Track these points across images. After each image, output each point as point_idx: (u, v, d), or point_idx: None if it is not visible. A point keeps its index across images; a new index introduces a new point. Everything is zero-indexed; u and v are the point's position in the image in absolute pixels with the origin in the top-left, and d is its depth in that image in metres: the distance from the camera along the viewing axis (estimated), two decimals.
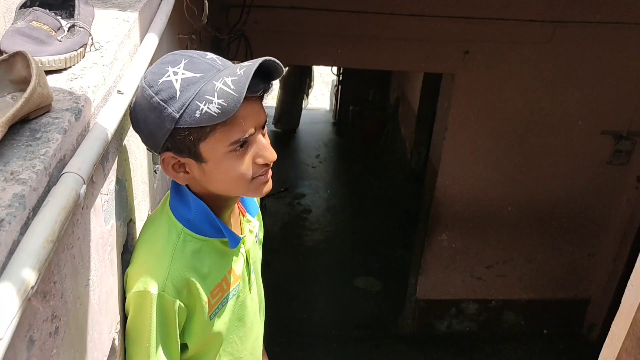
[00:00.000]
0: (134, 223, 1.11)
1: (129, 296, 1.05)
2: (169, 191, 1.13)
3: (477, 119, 3.90)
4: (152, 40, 1.15)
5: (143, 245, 1.09)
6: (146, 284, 1.02)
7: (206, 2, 1.84)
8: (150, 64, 1.02)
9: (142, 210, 1.19)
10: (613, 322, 1.08)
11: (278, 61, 0.97)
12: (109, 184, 0.91)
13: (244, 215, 1.27)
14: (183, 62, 0.97)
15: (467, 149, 4.00)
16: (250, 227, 1.26)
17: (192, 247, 1.09)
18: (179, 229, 1.09)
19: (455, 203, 4.20)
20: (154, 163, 1.40)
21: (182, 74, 0.96)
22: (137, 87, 1.00)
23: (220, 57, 1.01)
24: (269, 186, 1.10)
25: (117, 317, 0.98)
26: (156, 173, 1.42)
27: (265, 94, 1.03)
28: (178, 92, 0.94)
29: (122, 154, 1.00)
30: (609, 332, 1.09)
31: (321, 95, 10.12)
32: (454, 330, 4.70)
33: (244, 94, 0.90)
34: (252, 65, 0.93)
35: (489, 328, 4.71)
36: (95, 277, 0.83)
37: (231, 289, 1.21)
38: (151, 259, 1.06)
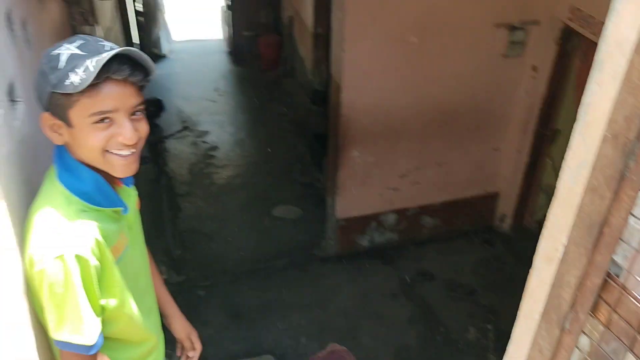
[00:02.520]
0: None
1: (43, 268, 1.13)
2: (52, 168, 1.25)
3: (373, 27, 3.74)
4: None
5: (41, 218, 1.17)
6: (60, 249, 1.14)
7: None
8: None
9: None
10: (550, 212, 0.98)
11: (139, 52, 1.18)
12: None
13: (120, 186, 1.42)
14: (78, 42, 1.18)
15: (368, 59, 3.85)
16: (127, 195, 1.43)
17: (90, 216, 1.23)
18: (75, 201, 1.22)
19: (363, 117, 4.10)
20: None
21: (72, 50, 1.15)
22: None
23: (114, 45, 1.19)
24: (129, 169, 1.26)
25: None
26: None
27: (140, 82, 1.22)
28: (62, 64, 1.13)
29: None
30: (546, 223, 1.00)
31: (211, 24, 9.50)
32: (376, 244, 4.75)
33: (97, 71, 1.09)
34: (113, 51, 1.13)
35: (409, 235, 4.80)
36: None
37: (123, 249, 1.36)
38: (56, 226, 1.16)
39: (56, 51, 1.16)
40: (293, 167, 5.74)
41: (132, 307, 1.41)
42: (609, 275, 0.92)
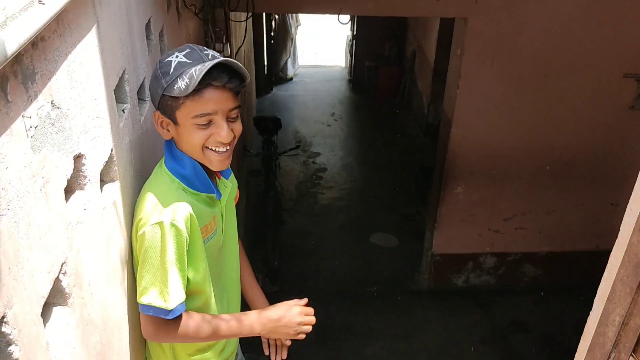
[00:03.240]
0: (85, 158, 1.03)
1: (144, 231, 1.31)
2: (163, 157, 1.44)
3: (491, 65, 3.71)
4: None
5: (149, 194, 1.36)
6: (160, 217, 1.31)
7: None
8: None
9: (97, 146, 1.11)
10: (611, 253, 0.98)
11: (236, 62, 1.31)
12: (38, 108, 0.82)
13: (219, 178, 1.58)
14: (186, 50, 1.33)
15: (481, 97, 3.83)
16: (224, 186, 1.58)
17: (188, 196, 1.40)
18: (177, 182, 1.40)
19: (471, 154, 4.05)
20: (119, 102, 1.33)
21: (180, 58, 1.31)
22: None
23: (216, 53, 1.35)
24: (224, 164, 1.44)
25: (62, 257, 0.91)
26: (124, 112, 1.35)
27: (238, 88, 1.35)
28: (172, 70, 1.30)
29: (60, 79, 0.91)
30: (607, 264, 0.99)
31: (336, 52, 9.88)
32: (471, 285, 4.62)
33: (199, 78, 1.24)
34: (214, 61, 1.28)
35: (507, 281, 4.62)
36: (18, 209, 0.75)
37: (214, 231, 1.51)
38: (160, 200, 1.33)
39: (168, 58, 1.32)
40: (396, 196, 5.77)
41: (211, 289, 1.53)
42: None
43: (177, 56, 1.31)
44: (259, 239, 4.91)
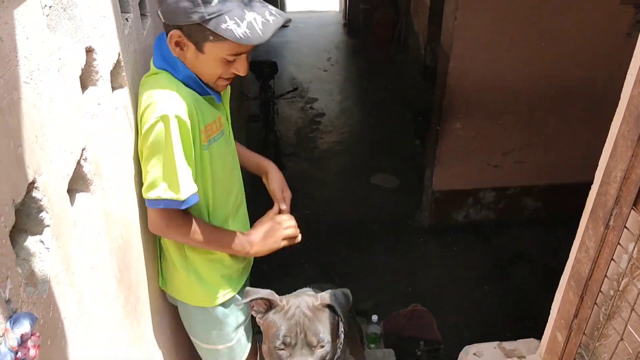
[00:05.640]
0: (96, 53, 1.04)
1: (148, 126, 1.29)
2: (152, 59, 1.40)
3: None
4: None
5: (149, 91, 1.33)
6: (163, 110, 1.28)
7: None
8: None
9: (106, 45, 1.12)
10: (615, 114, 1.01)
11: (288, 16, 1.33)
12: None
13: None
14: None
15: (479, 29, 3.79)
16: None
17: (189, 91, 1.38)
18: (177, 81, 1.37)
19: (469, 89, 4.05)
20: (123, 12, 1.33)
21: None
22: None
23: (272, 8, 1.32)
24: (226, 88, 1.52)
25: (82, 143, 0.93)
26: (128, 21, 1.35)
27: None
28: (215, 2, 1.24)
29: None
30: (611, 126, 1.03)
31: None
32: (471, 220, 4.70)
33: (266, 37, 1.26)
34: (280, 19, 1.30)
35: (507, 215, 4.69)
36: (40, 81, 0.77)
37: (220, 132, 1.51)
38: (161, 95, 1.31)
39: None
40: (396, 138, 5.79)
41: (218, 192, 1.55)
42: None
43: None
44: (261, 184, 4.96)
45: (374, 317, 3.30)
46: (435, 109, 4.30)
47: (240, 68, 1.40)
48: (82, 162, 0.92)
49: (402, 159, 5.51)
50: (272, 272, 3.89)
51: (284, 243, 1.69)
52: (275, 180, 1.85)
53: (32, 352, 0.67)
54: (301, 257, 4.36)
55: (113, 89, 1.22)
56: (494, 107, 4.13)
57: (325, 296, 1.65)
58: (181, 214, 1.40)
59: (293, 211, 1.85)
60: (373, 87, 6.85)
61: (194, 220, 1.45)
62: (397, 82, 6.84)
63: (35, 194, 0.74)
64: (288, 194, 1.85)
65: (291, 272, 4.10)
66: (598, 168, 1.18)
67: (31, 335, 0.67)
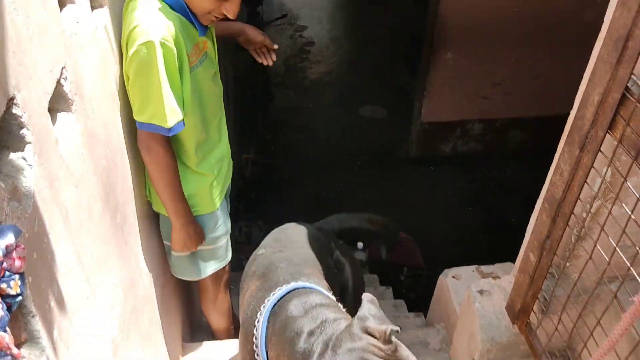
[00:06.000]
0: None
1: (133, 51, 1.29)
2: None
3: None
4: None
5: (133, 14, 1.31)
6: (149, 35, 1.29)
7: None
8: None
9: None
10: (598, 36, 1.02)
11: None
12: None
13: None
14: None
15: None
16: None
17: (174, 16, 1.38)
18: (163, 5, 1.37)
19: (462, 18, 3.97)
20: None
21: None
22: None
23: None
24: (213, 24, 1.53)
25: (61, 62, 0.93)
26: None
27: None
28: None
29: None
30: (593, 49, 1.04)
31: None
32: (459, 152, 4.74)
33: None
34: None
35: (495, 147, 4.72)
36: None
37: (203, 54, 1.52)
38: (145, 19, 1.30)
39: None
40: (385, 69, 5.71)
41: (201, 116, 1.57)
42: (627, 89, 0.96)
43: None
44: (251, 113, 4.93)
45: (360, 245, 3.39)
46: (427, 39, 4.23)
47: (231, 10, 1.41)
48: (62, 81, 0.92)
49: (391, 90, 5.47)
50: (260, 199, 3.95)
51: (192, 249, 1.72)
52: (254, 34, 1.84)
53: (18, 263, 0.69)
54: (290, 186, 4.41)
55: (92, 7, 1.19)
56: (485, 37, 4.07)
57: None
58: (164, 150, 1.43)
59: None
60: (364, 14, 6.68)
61: (171, 164, 1.47)
62: (388, 9, 6.66)
63: (15, 110, 0.75)
64: (268, 42, 1.86)
65: (280, 200, 4.16)
66: (578, 92, 1.20)
67: (16, 247, 0.69)
